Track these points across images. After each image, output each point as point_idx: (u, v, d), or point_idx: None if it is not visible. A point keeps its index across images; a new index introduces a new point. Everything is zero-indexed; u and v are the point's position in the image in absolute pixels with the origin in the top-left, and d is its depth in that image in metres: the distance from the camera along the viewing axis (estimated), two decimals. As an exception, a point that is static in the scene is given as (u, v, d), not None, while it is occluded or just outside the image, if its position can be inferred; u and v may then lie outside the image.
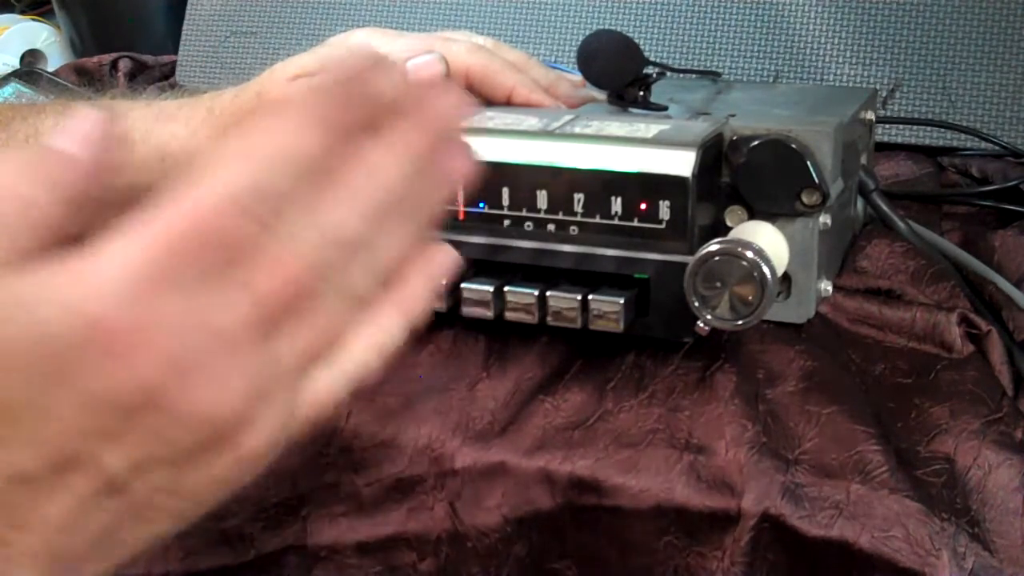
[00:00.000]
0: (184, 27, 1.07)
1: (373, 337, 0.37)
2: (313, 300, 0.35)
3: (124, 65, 1.07)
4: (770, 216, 0.54)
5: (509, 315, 0.53)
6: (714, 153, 0.53)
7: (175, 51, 1.08)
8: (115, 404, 0.33)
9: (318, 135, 0.33)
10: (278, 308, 0.34)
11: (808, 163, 0.52)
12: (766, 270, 0.48)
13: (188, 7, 1.07)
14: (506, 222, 0.54)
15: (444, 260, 0.39)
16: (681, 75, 0.74)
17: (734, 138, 0.53)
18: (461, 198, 0.54)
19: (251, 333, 0.34)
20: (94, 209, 0.56)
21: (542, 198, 0.53)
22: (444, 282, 0.38)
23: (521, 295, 0.52)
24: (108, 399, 0.33)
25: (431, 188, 0.37)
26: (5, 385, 0.32)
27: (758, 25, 0.89)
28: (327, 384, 0.37)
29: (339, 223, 0.34)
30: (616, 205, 0.52)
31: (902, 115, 0.84)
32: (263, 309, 0.34)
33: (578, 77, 0.62)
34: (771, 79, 0.88)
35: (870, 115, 0.67)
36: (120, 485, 0.34)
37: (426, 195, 0.37)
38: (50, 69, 1.10)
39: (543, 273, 0.54)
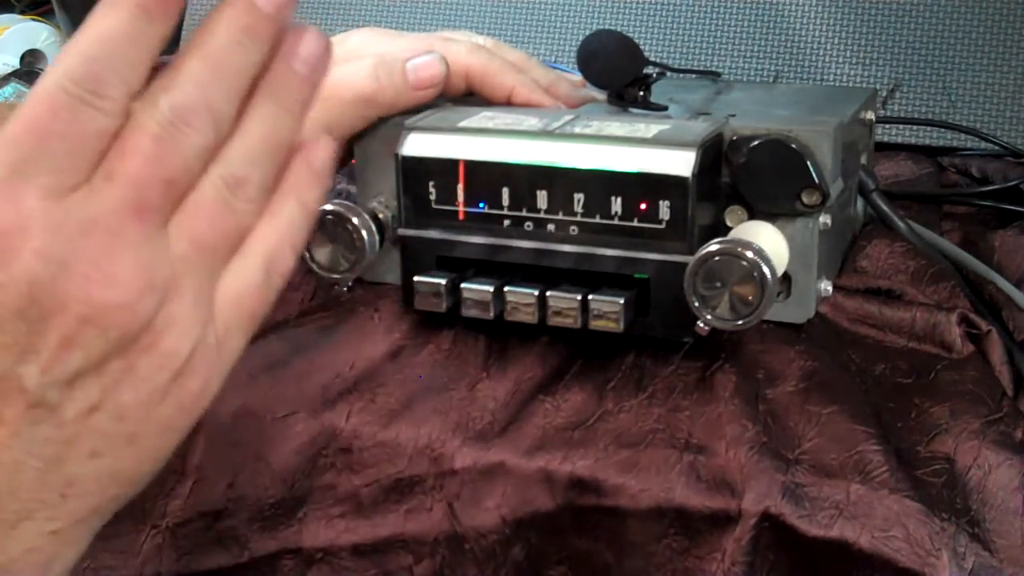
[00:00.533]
0: (184, 27, 1.07)
1: (277, 226, 0.39)
2: (187, 179, 0.36)
3: (124, 65, 1.07)
4: (770, 216, 0.54)
5: (509, 315, 0.53)
6: (714, 153, 0.53)
7: (175, 51, 1.08)
8: (8, 310, 0.34)
9: (117, 12, 0.36)
10: (151, 191, 0.35)
11: (808, 163, 0.52)
12: (766, 270, 0.48)
13: (188, 7, 1.07)
14: (506, 222, 0.54)
15: (322, 148, 0.41)
16: (681, 75, 0.74)
17: (734, 138, 0.53)
18: (461, 198, 0.54)
19: (131, 221, 0.35)
20: None
21: (542, 198, 0.53)
22: (325, 168, 0.41)
23: (521, 295, 0.52)
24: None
25: (286, 71, 0.39)
26: None
27: (758, 25, 0.89)
28: (243, 276, 0.38)
29: (174, 93, 0.36)
30: (616, 205, 0.52)
31: (902, 115, 0.84)
32: (135, 193, 0.35)
33: (578, 77, 0.62)
34: (771, 79, 0.88)
35: (870, 115, 0.67)
36: (49, 405, 0.35)
37: (283, 78, 0.38)
38: (50, 69, 1.10)
39: (543, 273, 0.54)
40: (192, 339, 0.36)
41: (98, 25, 0.35)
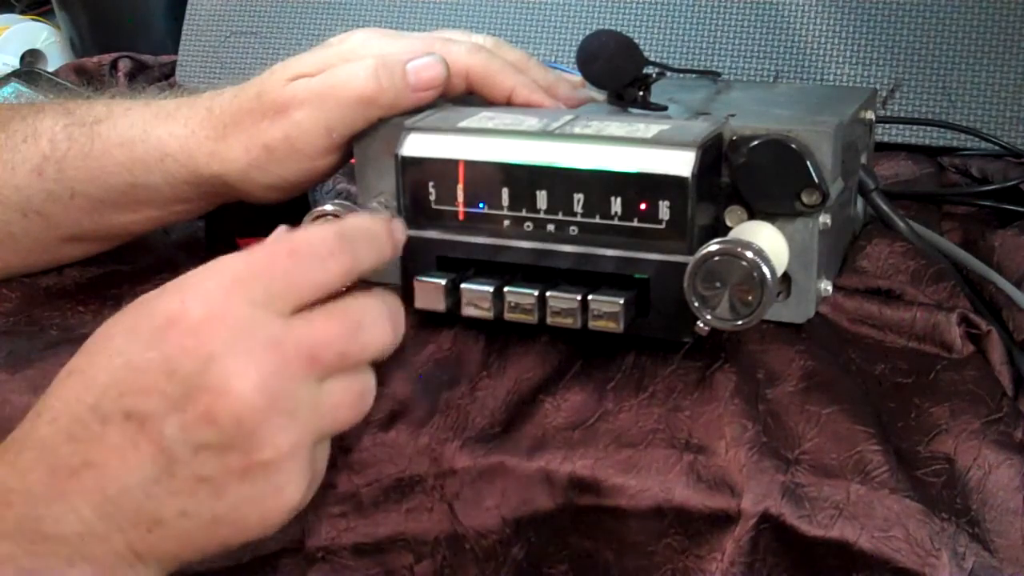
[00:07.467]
0: (184, 27, 1.07)
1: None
2: (357, 360, 0.46)
3: (124, 65, 1.08)
4: (770, 216, 0.54)
5: (509, 315, 0.53)
6: (714, 153, 0.53)
7: (175, 51, 1.08)
8: (182, 370, 0.42)
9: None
10: (328, 353, 0.44)
11: (808, 163, 0.52)
12: (766, 270, 0.48)
13: (188, 7, 1.07)
14: (506, 222, 0.54)
15: None
16: (681, 75, 0.74)
17: (734, 138, 0.53)
18: (461, 198, 0.54)
19: (302, 361, 0.43)
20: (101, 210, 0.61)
21: (542, 198, 0.53)
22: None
23: (521, 295, 0.52)
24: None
25: None
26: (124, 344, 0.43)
27: (758, 25, 0.89)
28: (325, 453, 0.47)
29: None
30: (616, 205, 0.52)
31: (902, 115, 0.84)
32: (317, 346, 0.44)
33: (578, 77, 0.62)
34: (771, 79, 0.88)
35: (870, 115, 0.67)
36: (173, 457, 0.42)
37: None
38: (50, 69, 1.10)
39: (543, 273, 0.54)
40: (302, 484, 0.44)
41: None
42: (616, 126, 0.54)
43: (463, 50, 0.60)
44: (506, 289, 0.53)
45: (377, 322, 0.46)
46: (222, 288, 0.43)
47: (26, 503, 0.42)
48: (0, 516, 0.41)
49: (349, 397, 0.45)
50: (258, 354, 0.42)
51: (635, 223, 0.52)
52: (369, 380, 0.47)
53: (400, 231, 0.50)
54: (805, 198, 0.53)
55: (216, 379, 0.42)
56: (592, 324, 0.52)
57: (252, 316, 0.43)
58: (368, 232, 0.48)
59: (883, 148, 0.83)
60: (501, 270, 0.54)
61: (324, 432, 0.45)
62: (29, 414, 0.44)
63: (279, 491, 0.43)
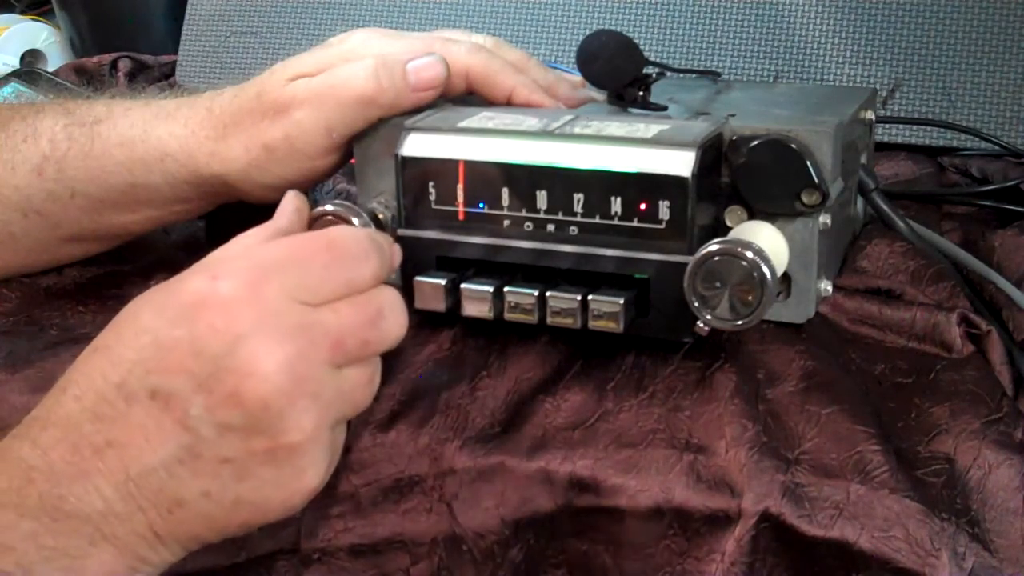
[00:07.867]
0: (184, 27, 1.07)
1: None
2: (374, 349, 0.47)
3: (124, 65, 1.08)
4: (770, 216, 0.54)
5: (509, 315, 0.53)
6: (714, 153, 0.53)
7: (175, 51, 1.08)
8: (209, 350, 0.42)
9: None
10: (352, 340, 0.45)
11: (808, 163, 0.52)
12: (766, 270, 0.48)
13: (188, 7, 1.07)
14: (506, 222, 0.54)
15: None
16: (681, 75, 0.74)
17: (734, 138, 0.53)
18: (461, 198, 0.54)
19: (326, 346, 0.44)
20: (101, 209, 0.61)
21: (542, 198, 0.53)
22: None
23: (521, 295, 0.52)
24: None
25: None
26: (153, 323, 0.43)
27: (758, 25, 0.89)
28: (342, 436, 0.47)
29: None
30: (616, 205, 0.52)
31: (902, 115, 0.84)
32: (341, 333, 0.45)
33: (578, 77, 0.62)
34: (771, 79, 0.88)
35: (870, 115, 0.67)
36: (197, 436, 0.42)
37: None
38: (50, 69, 1.10)
39: (543, 273, 0.54)
40: (322, 466, 0.45)
41: None
42: (616, 126, 0.54)
43: (463, 50, 0.60)
44: (506, 289, 0.53)
45: (394, 312, 0.47)
46: (256, 271, 0.44)
47: (48, 481, 0.42)
48: (23, 493, 0.42)
49: (363, 381, 0.46)
50: (285, 337, 0.43)
51: (635, 223, 0.52)
52: (378, 365, 0.48)
53: (398, 254, 0.51)
54: (805, 198, 0.53)
55: (243, 361, 0.42)
56: (592, 324, 0.52)
57: (282, 302, 0.43)
58: (385, 246, 0.49)
59: (883, 148, 0.83)
60: (501, 270, 0.54)
61: (343, 415, 0.46)
62: (53, 389, 0.44)
63: (301, 473, 0.44)
